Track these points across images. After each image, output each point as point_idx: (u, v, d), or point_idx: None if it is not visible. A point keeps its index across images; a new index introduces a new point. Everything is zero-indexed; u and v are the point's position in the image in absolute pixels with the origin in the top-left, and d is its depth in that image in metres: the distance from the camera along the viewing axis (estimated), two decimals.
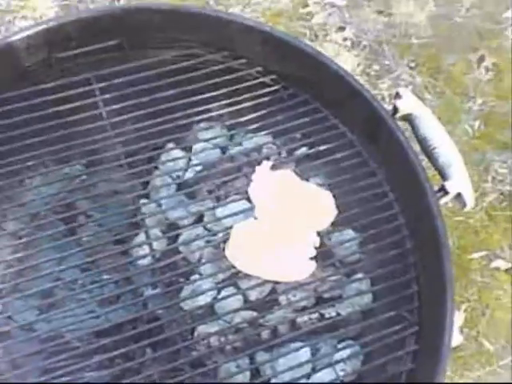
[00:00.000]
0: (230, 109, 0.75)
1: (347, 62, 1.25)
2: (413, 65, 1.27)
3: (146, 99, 0.71)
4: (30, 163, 0.69)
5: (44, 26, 0.69)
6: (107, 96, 0.71)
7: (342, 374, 0.67)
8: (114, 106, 0.71)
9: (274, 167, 0.72)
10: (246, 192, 0.71)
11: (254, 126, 0.75)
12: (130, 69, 0.72)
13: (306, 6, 1.33)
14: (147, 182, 0.78)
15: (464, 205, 0.65)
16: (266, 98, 0.74)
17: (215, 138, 0.78)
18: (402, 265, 0.66)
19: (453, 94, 1.23)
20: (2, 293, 0.70)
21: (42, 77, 0.71)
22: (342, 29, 1.32)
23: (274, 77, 0.75)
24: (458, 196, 0.65)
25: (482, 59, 1.27)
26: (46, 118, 0.69)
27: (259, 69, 0.75)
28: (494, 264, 1.05)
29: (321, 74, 0.72)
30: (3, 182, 0.69)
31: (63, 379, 0.62)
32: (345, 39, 1.30)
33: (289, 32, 1.26)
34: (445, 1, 1.34)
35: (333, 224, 0.69)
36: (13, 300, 0.67)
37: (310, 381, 0.67)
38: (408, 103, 0.67)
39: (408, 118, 0.68)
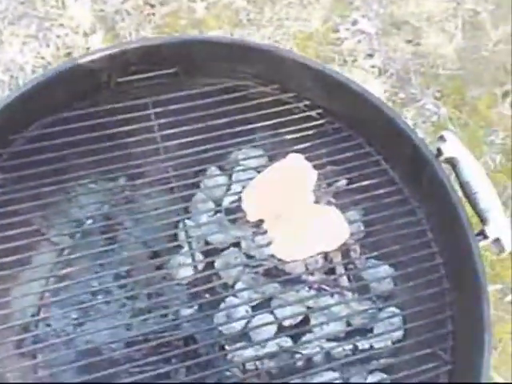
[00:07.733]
0: (275, 139, 0.77)
1: (374, 89, 1.27)
2: (438, 95, 1.29)
3: (198, 126, 0.74)
4: (81, 181, 0.72)
5: (108, 52, 0.71)
6: (162, 121, 0.73)
7: None
8: (168, 131, 0.73)
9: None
10: None
11: None
12: (185, 96, 0.74)
13: (337, 31, 1.36)
14: (188, 203, 0.80)
15: (502, 249, 0.67)
16: (310, 132, 0.77)
17: (257, 167, 0.80)
18: (438, 303, 0.68)
19: (476, 127, 1.25)
20: (44, 297, 0.72)
21: (101, 99, 0.73)
22: (370, 56, 1.34)
23: (320, 111, 0.78)
24: (497, 241, 0.67)
25: (507, 94, 1.29)
26: (102, 138, 0.71)
27: (307, 103, 0.78)
28: (509, 298, 1.06)
29: (368, 113, 0.74)
30: (55, 198, 0.71)
31: None
32: (373, 66, 1.33)
33: (318, 56, 1.29)
34: (472, 34, 1.37)
35: (368, 258, 0.72)
36: (52, 307, 0.69)
37: None
38: (452, 147, 0.70)
39: (451, 162, 0.70)
